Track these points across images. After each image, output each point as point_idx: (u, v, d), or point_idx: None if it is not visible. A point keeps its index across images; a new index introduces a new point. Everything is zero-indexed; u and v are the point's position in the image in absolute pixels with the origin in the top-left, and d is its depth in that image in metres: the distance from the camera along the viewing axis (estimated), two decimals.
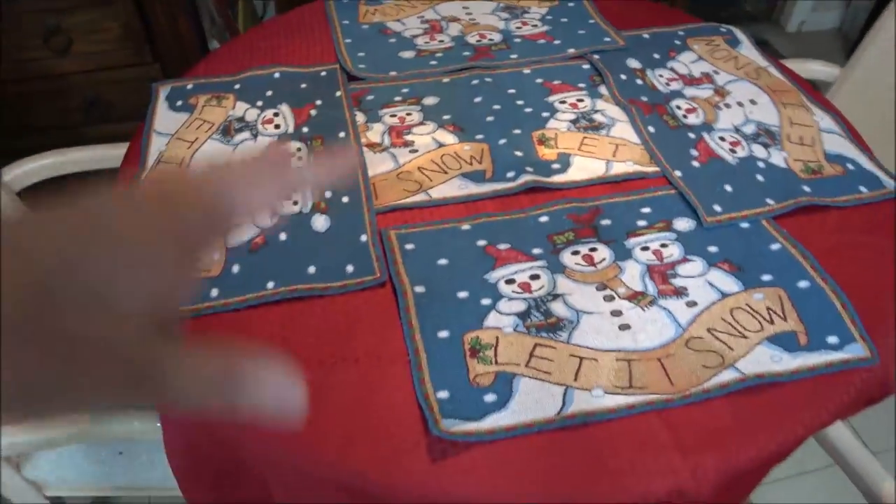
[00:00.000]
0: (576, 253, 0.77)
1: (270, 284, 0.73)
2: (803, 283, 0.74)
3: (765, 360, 0.67)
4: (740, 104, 0.99)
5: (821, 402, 0.65)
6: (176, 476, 0.75)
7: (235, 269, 0.75)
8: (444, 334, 0.69)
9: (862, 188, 0.86)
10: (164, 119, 0.95)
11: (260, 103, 0.97)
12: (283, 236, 0.79)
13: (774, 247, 0.78)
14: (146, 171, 0.86)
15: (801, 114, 0.97)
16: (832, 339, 0.69)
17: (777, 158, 0.90)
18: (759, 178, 0.87)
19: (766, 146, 0.92)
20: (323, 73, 1.02)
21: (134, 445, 0.92)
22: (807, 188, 0.85)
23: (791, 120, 0.96)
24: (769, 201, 0.83)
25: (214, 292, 0.73)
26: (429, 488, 0.59)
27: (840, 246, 0.79)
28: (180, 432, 0.72)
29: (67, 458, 0.93)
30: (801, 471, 1.52)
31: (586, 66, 1.06)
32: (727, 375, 0.66)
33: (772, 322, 0.71)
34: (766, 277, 0.75)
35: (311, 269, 0.75)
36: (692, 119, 0.96)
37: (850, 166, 0.89)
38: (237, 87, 1.00)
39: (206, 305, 0.71)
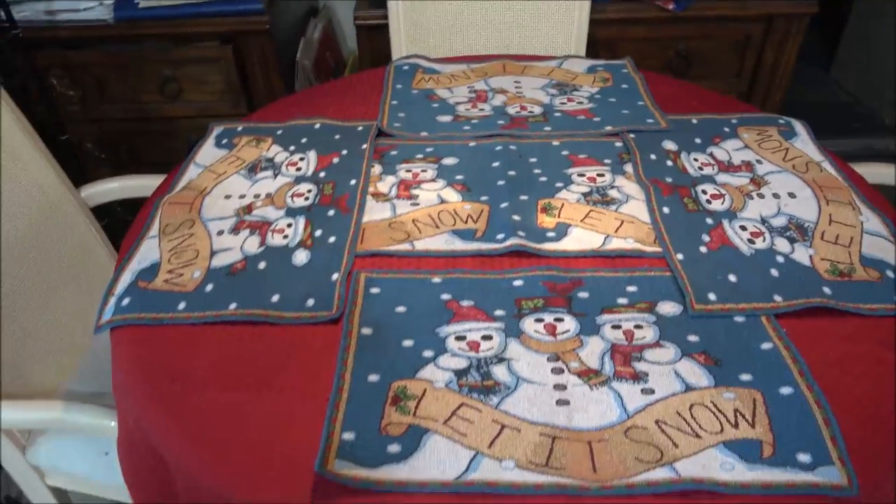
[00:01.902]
0: (539, 321, 0.73)
1: (232, 305, 0.76)
2: (785, 390, 0.65)
3: (712, 466, 0.58)
4: (776, 195, 0.91)
5: None
6: (122, 470, 0.78)
7: (209, 287, 0.79)
8: (373, 378, 0.68)
9: None
10: (207, 153, 1.05)
11: (293, 148, 1.04)
12: (262, 265, 0.82)
13: (766, 346, 0.69)
14: (171, 194, 0.95)
15: (846, 212, 0.87)
16: (803, 457, 0.59)
17: (801, 255, 0.81)
18: (774, 272, 0.78)
19: (791, 241, 0.83)
20: (360, 129, 1.08)
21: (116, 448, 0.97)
22: (827, 290, 0.76)
23: (832, 217, 0.86)
24: (777, 298, 0.75)
25: (182, 305, 0.77)
26: None
27: (848, 357, 0.69)
28: (126, 429, 0.75)
29: (61, 452, 1.00)
30: None
31: (619, 144, 1.03)
32: (660, 474, 0.58)
33: (736, 426, 0.62)
34: (745, 377, 0.66)
35: (275, 298, 0.77)
36: (716, 205, 0.89)
37: (889, 273, 0.78)
38: (279, 132, 1.08)
39: (169, 316, 0.75)
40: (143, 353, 0.73)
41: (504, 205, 0.90)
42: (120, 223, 1.22)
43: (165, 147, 1.66)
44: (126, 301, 0.78)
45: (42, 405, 0.84)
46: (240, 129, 1.10)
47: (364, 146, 1.02)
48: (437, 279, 0.79)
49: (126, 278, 0.81)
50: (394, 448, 0.61)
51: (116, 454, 0.99)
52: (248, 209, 0.91)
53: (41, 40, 1.49)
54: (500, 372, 0.68)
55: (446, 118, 1.11)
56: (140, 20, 1.48)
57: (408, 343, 0.71)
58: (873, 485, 0.58)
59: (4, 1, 1.40)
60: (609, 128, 1.06)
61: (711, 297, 0.75)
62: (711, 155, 1.00)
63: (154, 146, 1.66)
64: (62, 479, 1.04)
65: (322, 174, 0.98)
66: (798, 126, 1.05)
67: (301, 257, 0.83)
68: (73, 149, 1.60)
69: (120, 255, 0.86)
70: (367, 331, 0.73)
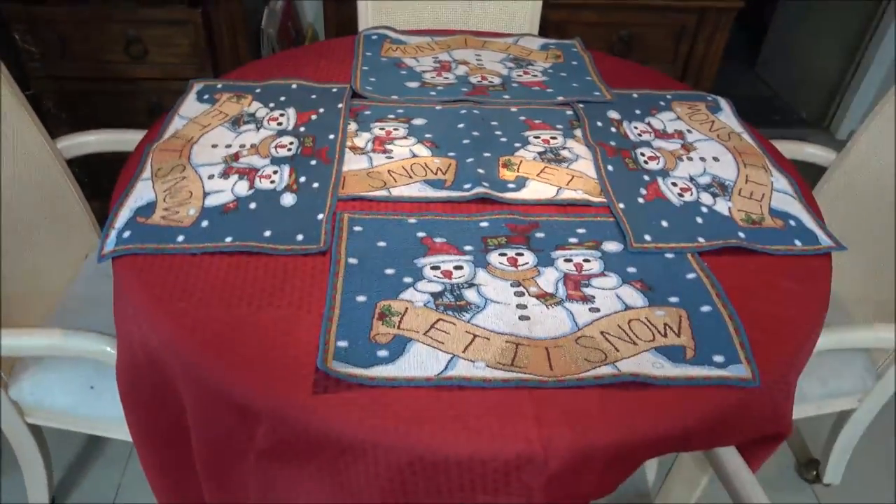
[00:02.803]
0: (503, 255, 0.85)
1: (228, 239, 0.84)
2: (705, 308, 0.79)
3: (645, 365, 0.71)
4: (703, 159, 1.05)
5: (689, 408, 0.68)
6: (120, 395, 0.85)
7: (205, 223, 0.86)
8: (361, 298, 0.77)
9: (797, 241, 0.90)
10: (190, 107, 1.11)
11: (272, 105, 1.11)
12: (252, 205, 0.90)
13: (690, 276, 0.83)
14: (160, 141, 1.01)
15: (759, 174, 1.02)
16: (718, 358, 0.73)
17: (721, 206, 0.95)
18: (699, 220, 0.92)
19: (714, 195, 0.97)
20: (334, 90, 1.16)
21: (102, 381, 1.03)
22: (742, 234, 0.90)
23: (748, 177, 1.01)
24: (700, 239, 0.89)
25: (180, 238, 0.84)
26: (306, 414, 0.66)
27: (755, 284, 0.83)
28: (128, 352, 0.82)
29: (45, 386, 1.05)
30: None
31: (569, 112, 1.15)
32: (604, 370, 0.70)
33: (665, 335, 0.75)
34: (673, 299, 0.80)
35: (267, 233, 0.85)
36: (652, 165, 1.03)
37: (791, 222, 0.93)
38: (258, 90, 1.15)
39: (169, 246, 0.83)
40: (148, 279, 0.80)
41: (470, 160, 1.01)
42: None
43: (126, 108, 1.68)
44: (127, 234, 0.84)
45: (43, 332, 0.90)
46: (219, 86, 1.17)
47: (340, 105, 1.11)
48: (412, 220, 0.90)
49: (125, 214, 0.88)
50: (382, 353, 0.71)
51: (104, 386, 1.05)
52: (236, 157, 0.99)
53: None
54: (470, 294, 0.79)
55: (414, 84, 1.21)
56: None
57: (390, 271, 0.81)
58: (771, 378, 0.73)
59: None
60: (561, 98, 1.19)
61: (647, 238, 0.88)
62: (649, 124, 1.13)
63: (114, 107, 1.68)
64: (44, 415, 1.09)
65: (302, 129, 1.06)
66: (723, 102, 1.21)
67: (288, 199, 0.91)
68: (35, 104, 1.61)
69: (115, 196, 0.92)
70: (353, 260, 0.82)
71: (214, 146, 1.01)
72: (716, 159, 1.05)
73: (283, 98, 1.13)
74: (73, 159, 1.24)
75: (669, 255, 0.86)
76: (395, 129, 1.08)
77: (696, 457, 1.05)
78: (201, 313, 0.75)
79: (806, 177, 1.12)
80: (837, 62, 2.81)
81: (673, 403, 0.69)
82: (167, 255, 0.82)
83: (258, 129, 1.05)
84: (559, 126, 1.11)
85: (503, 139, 1.07)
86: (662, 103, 1.19)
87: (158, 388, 0.80)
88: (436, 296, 0.78)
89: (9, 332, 0.89)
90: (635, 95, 1.21)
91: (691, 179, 1.01)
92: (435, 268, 0.82)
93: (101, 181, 1.31)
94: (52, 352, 0.93)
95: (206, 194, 0.91)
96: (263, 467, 0.71)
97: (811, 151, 1.35)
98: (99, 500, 1.38)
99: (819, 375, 1.14)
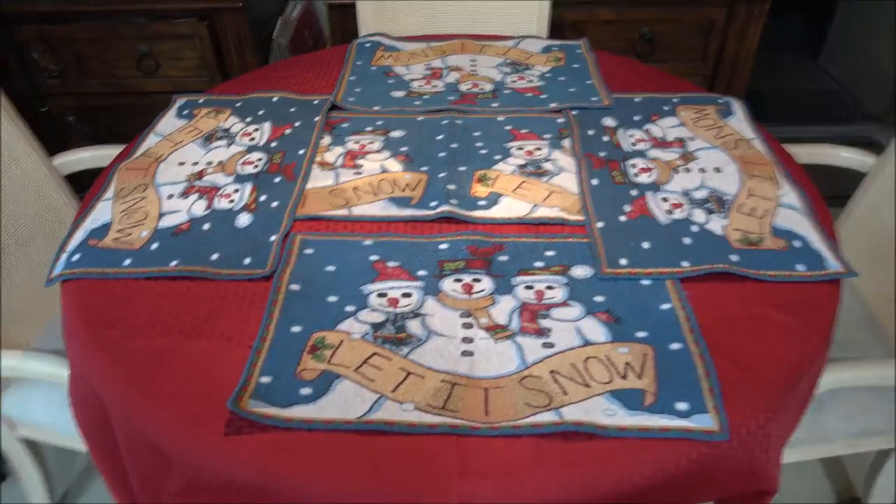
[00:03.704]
0: (458, 280, 0.78)
1: (174, 262, 0.81)
2: (675, 345, 0.69)
3: (595, 412, 0.63)
4: (702, 170, 0.95)
5: (639, 464, 0.60)
6: (74, 416, 0.83)
7: (154, 246, 0.84)
8: (296, 329, 0.73)
9: (799, 266, 0.79)
10: (167, 124, 1.09)
11: (249, 119, 1.09)
12: (206, 226, 0.87)
13: (664, 306, 0.74)
14: (128, 160, 0.99)
15: (765, 186, 0.91)
16: (681, 405, 0.64)
17: (715, 225, 0.85)
18: (686, 240, 0.83)
19: (709, 212, 0.87)
20: (315, 102, 1.12)
21: None
22: (734, 257, 0.80)
23: (751, 191, 0.90)
24: (684, 263, 0.79)
25: (127, 262, 0.82)
26: (215, 457, 0.62)
27: (740, 317, 0.73)
28: (75, 377, 0.80)
29: (27, 403, 1.06)
30: None
31: (561, 120, 1.07)
32: (545, 417, 0.63)
33: (624, 377, 0.67)
34: (641, 334, 0.71)
35: (214, 256, 0.82)
36: (643, 178, 0.93)
37: (795, 243, 0.82)
38: (238, 104, 1.13)
39: (114, 271, 0.80)
40: (88, 304, 0.78)
41: (442, 174, 0.95)
42: None
43: (142, 121, 1.69)
44: (76, 257, 0.83)
45: (5, 353, 0.89)
46: (201, 101, 1.15)
47: (317, 118, 1.07)
48: (368, 241, 0.84)
49: (78, 236, 0.86)
50: (305, 391, 0.66)
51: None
52: (200, 175, 0.96)
53: (21, 15, 1.53)
54: (413, 325, 0.73)
55: (400, 93, 1.16)
56: None
57: (332, 298, 0.76)
58: (746, 429, 0.63)
59: None
60: (553, 105, 1.10)
61: (622, 262, 0.79)
62: (647, 131, 1.04)
63: (131, 120, 1.70)
64: (29, 430, 1.10)
65: (273, 144, 1.02)
66: (735, 105, 1.09)
67: (244, 220, 0.88)
68: (53, 121, 1.65)
69: (76, 216, 0.91)
70: (295, 287, 0.78)
71: (181, 164, 0.99)
72: (717, 170, 0.95)
73: (261, 112, 1.10)
74: (84, 173, 1.26)
75: (645, 282, 0.77)
76: (370, 143, 1.02)
77: None
78: (131, 343, 0.72)
79: (845, 185, 1.00)
80: None
81: (621, 458, 0.60)
82: (110, 280, 0.80)
83: (229, 145, 1.03)
84: (547, 135, 1.03)
85: (483, 151, 1.00)
86: (666, 108, 1.09)
87: (100, 413, 0.78)
88: (376, 326, 0.73)
89: None
90: (637, 100, 1.11)
91: (685, 194, 0.91)
92: (382, 295, 0.77)
93: None
94: (13, 373, 0.93)
95: (161, 215, 0.89)
96: None
97: (847, 156, 1.21)
98: None
99: (845, 412, 1.01)
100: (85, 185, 1.45)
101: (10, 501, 1.35)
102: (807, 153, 1.16)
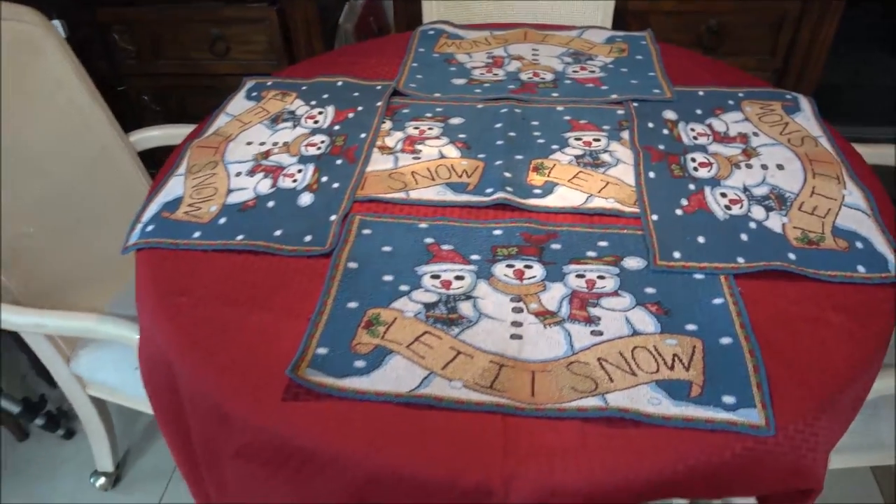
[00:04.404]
0: (510, 266, 0.80)
1: (240, 237, 0.85)
2: (725, 340, 0.69)
3: (640, 400, 0.64)
4: (764, 166, 0.93)
5: (681, 454, 0.60)
6: (143, 380, 0.89)
7: (222, 220, 0.88)
8: (352, 305, 0.76)
9: (860, 267, 0.77)
10: (237, 104, 1.14)
11: (314, 102, 1.12)
12: (270, 203, 0.91)
13: (717, 301, 0.74)
14: (200, 138, 1.05)
15: (830, 185, 0.89)
16: (728, 399, 0.64)
17: (774, 222, 0.84)
18: (744, 237, 0.82)
19: (769, 209, 0.86)
20: (378, 87, 1.15)
21: None
22: (792, 255, 0.79)
23: (814, 189, 0.89)
24: (739, 259, 0.78)
25: (196, 234, 0.86)
26: (273, 420, 0.65)
27: (795, 317, 0.72)
28: (145, 341, 0.86)
29: (99, 364, 1.13)
30: None
31: (621, 112, 1.07)
32: (590, 402, 0.64)
33: (671, 368, 0.67)
34: (691, 327, 0.71)
35: (278, 233, 0.86)
36: (702, 172, 0.93)
37: (858, 244, 0.80)
38: (304, 88, 1.16)
39: (184, 242, 0.85)
40: (159, 272, 0.83)
41: (498, 162, 0.96)
42: None
43: (212, 102, 1.76)
44: (150, 228, 0.88)
45: (79, 316, 0.96)
46: (269, 83, 1.19)
47: (379, 104, 1.10)
48: (424, 224, 0.86)
49: (152, 209, 0.92)
50: (359, 363, 0.69)
51: None
52: (266, 155, 1.00)
53: None
54: (465, 307, 0.75)
55: (460, 81, 1.17)
56: None
57: (387, 278, 0.79)
58: (793, 426, 0.63)
59: None
60: (614, 96, 1.10)
61: (676, 255, 0.79)
62: (709, 126, 1.02)
63: (202, 101, 1.77)
64: (98, 389, 1.18)
65: (336, 127, 1.05)
66: (803, 102, 1.06)
67: (306, 199, 0.91)
68: (130, 100, 1.74)
69: (150, 189, 0.97)
70: (352, 265, 0.81)
71: (249, 143, 1.03)
72: (780, 167, 0.93)
73: (325, 95, 1.13)
74: (156, 150, 1.32)
75: (698, 276, 0.77)
76: (429, 129, 1.04)
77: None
78: (197, 311, 0.77)
79: None
80: None
81: (664, 446, 0.61)
82: (180, 251, 0.85)
83: (294, 127, 1.06)
84: (606, 127, 1.03)
85: (540, 140, 1.01)
86: (731, 102, 1.07)
87: (166, 375, 0.83)
88: (428, 307, 0.75)
89: (52, 314, 0.96)
90: (701, 93, 1.10)
91: (745, 190, 0.89)
92: (435, 276, 0.79)
93: None
94: (87, 334, 0.99)
95: (229, 191, 0.93)
96: (238, 468, 0.71)
97: None
98: (160, 471, 1.47)
99: None
100: (156, 161, 1.53)
101: (11, 501, 1.43)
102: (878, 153, 1.12)
